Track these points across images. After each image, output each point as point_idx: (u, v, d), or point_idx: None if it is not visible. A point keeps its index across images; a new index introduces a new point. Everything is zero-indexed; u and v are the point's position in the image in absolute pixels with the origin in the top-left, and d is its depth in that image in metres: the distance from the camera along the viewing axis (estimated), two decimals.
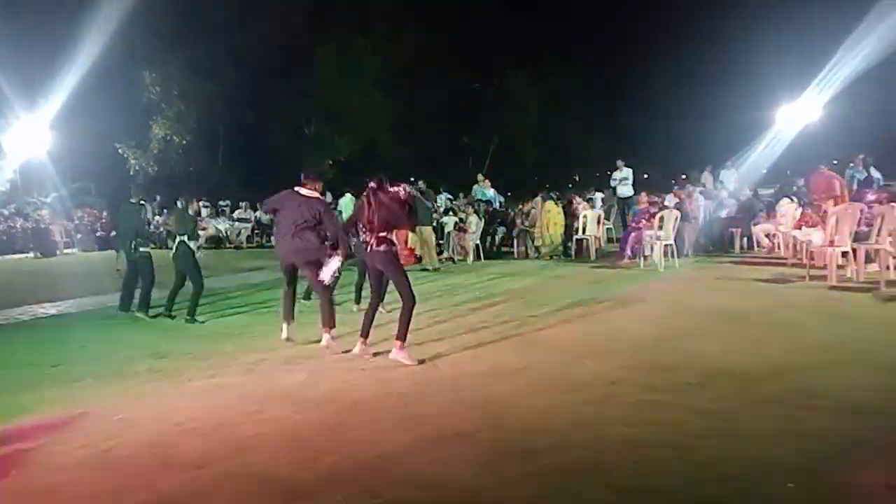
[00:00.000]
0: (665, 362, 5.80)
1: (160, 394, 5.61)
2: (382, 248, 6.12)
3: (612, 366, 5.79)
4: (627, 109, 43.85)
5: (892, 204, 9.98)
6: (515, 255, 14.13)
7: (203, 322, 8.53)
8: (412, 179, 15.69)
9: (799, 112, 24.92)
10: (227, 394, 5.51)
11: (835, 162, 16.36)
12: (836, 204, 10.14)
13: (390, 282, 6.57)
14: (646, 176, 30.78)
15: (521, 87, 38.46)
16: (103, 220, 23.19)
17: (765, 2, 35.59)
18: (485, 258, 13.90)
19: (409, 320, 6.10)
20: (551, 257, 13.33)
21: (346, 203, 18.64)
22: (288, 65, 27.48)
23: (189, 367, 6.39)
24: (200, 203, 23.79)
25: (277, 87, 27.31)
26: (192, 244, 8.65)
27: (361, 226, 6.29)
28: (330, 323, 6.72)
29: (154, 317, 8.87)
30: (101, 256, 18.22)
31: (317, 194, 6.90)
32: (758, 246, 12.59)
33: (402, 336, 6.08)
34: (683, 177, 15.01)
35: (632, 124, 44.77)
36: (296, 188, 6.93)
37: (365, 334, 6.35)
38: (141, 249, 9.18)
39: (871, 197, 10.66)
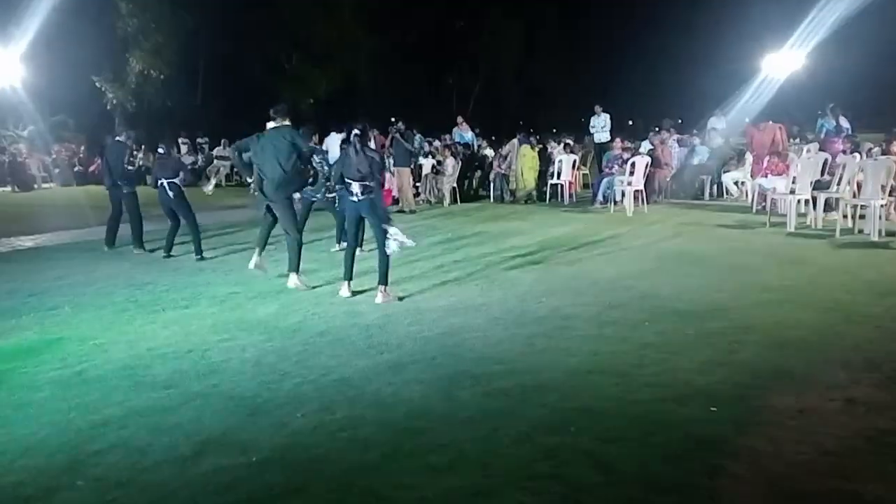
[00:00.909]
0: (618, 300, 6.12)
1: (135, 322, 5.85)
2: (368, 196, 6.24)
3: (568, 303, 6.10)
4: (612, 53, 43.47)
5: (855, 154, 10.29)
6: (491, 199, 14.33)
7: (207, 258, 8.66)
8: (392, 120, 15.67)
9: (785, 59, 24.87)
10: (199, 323, 5.77)
11: (818, 112, 16.55)
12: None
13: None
14: (630, 122, 30.79)
15: (502, 26, 37.88)
16: (81, 155, 23.06)
17: None
18: (461, 201, 14.09)
19: (389, 265, 6.30)
20: (526, 201, 13.55)
21: (332, 141, 18.68)
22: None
23: (164, 299, 6.63)
24: (179, 139, 23.69)
25: (256, 19, 26.82)
26: (176, 182, 8.74)
27: (345, 174, 6.36)
28: (296, 266, 6.89)
29: (152, 251, 9.06)
30: (81, 191, 18.20)
31: (286, 122, 6.96)
32: (727, 193, 12.88)
33: (384, 280, 6.29)
34: (656, 129, 15.13)
35: (615, 69, 44.54)
36: (269, 125, 7.04)
37: (349, 277, 6.53)
38: (125, 188, 9.28)
39: (839, 147, 10.92)
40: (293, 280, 6.86)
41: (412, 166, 13.48)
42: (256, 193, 7.40)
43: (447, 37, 39.41)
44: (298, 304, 6.24)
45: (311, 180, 7.94)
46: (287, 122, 6.98)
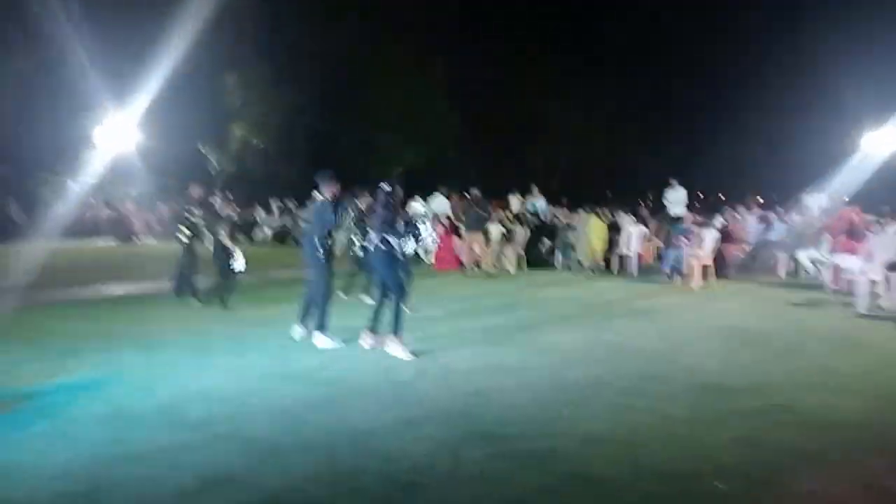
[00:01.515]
0: (657, 372, 5.99)
1: (187, 366, 6.19)
2: (385, 249, 6.50)
3: (605, 371, 6.02)
4: (704, 129, 43.03)
5: None
6: (558, 267, 14.30)
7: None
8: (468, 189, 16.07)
9: (886, 138, 23.97)
10: (245, 371, 6.04)
11: None
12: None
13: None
14: (701, 196, 30.18)
15: (591, 104, 38.37)
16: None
17: (845, 23, 34.39)
18: (528, 268, 14.14)
19: (399, 313, 6.49)
20: (592, 271, 13.46)
21: (415, 208, 19.27)
22: (361, 76, 28.50)
23: (219, 347, 6.97)
24: (272, 201, 25.05)
25: (350, 98, 28.35)
26: (222, 239, 9.29)
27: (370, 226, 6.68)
28: (321, 324, 7.04)
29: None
30: (177, 247, 19.37)
31: (324, 197, 7.21)
32: (804, 272, 12.38)
33: (395, 329, 6.48)
34: (721, 197, 14.83)
35: (707, 145, 44.01)
36: (316, 196, 7.43)
37: (373, 329, 6.74)
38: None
39: None
40: (318, 339, 7.03)
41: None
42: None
43: (535, 116, 40.18)
44: (339, 359, 6.43)
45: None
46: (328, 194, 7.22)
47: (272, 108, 26.46)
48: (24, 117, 22.18)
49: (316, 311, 7.10)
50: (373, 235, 6.61)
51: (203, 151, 26.14)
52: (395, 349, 6.44)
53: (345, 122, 29.52)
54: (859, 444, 4.32)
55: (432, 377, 5.81)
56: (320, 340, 6.95)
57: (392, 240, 6.56)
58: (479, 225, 13.49)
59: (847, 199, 24.27)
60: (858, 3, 33.42)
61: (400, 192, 6.95)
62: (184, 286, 10.03)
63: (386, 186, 6.62)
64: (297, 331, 7.27)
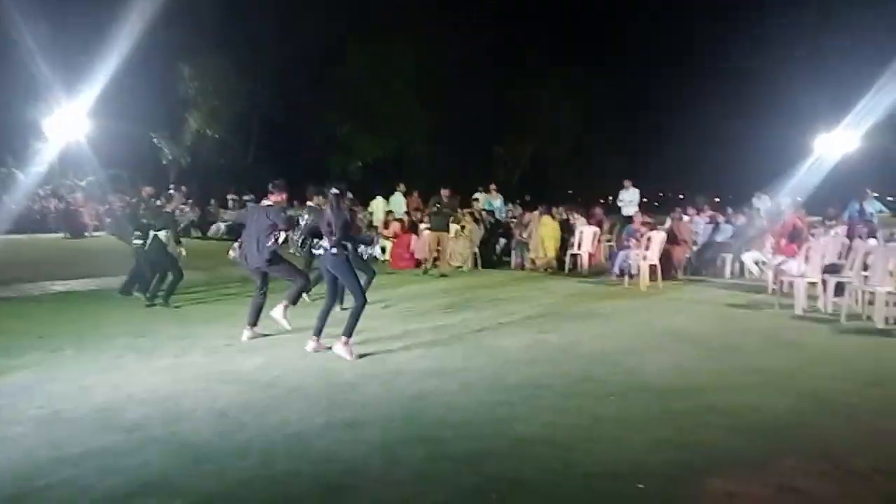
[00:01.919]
0: (596, 374, 6.14)
1: (127, 368, 6.16)
2: (335, 251, 6.51)
3: (546, 373, 6.15)
4: (665, 129, 43.83)
5: (871, 239, 10.14)
6: (512, 266, 14.46)
7: (178, 307, 9.11)
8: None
9: (838, 141, 24.65)
10: (185, 372, 6.02)
11: (875, 195, 16.41)
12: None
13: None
14: (645, 200, 30.82)
15: (554, 98, 38.62)
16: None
17: (805, 27, 35.30)
18: (482, 267, 14.27)
19: (357, 319, 6.49)
20: (545, 270, 13.64)
21: (377, 204, 19.31)
22: (323, 66, 28.29)
23: (161, 346, 6.94)
24: (229, 196, 24.73)
25: (311, 87, 28.12)
26: (163, 236, 9.23)
27: (323, 231, 6.66)
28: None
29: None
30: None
31: (277, 202, 7.38)
32: (748, 273, 12.74)
33: (347, 332, 6.48)
34: (681, 197, 15.18)
35: (666, 145, 44.85)
36: (262, 202, 7.50)
37: (317, 333, 6.74)
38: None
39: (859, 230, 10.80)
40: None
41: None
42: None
43: (500, 109, 40.32)
44: (282, 360, 6.45)
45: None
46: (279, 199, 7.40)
47: (228, 98, 26.16)
48: None
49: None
50: (325, 241, 6.59)
51: (156, 142, 25.69)
52: (343, 351, 6.45)
53: (303, 112, 29.30)
54: (778, 444, 4.50)
55: (375, 379, 5.86)
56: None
57: (347, 244, 6.56)
58: (444, 224, 13.45)
59: (799, 200, 25.01)
60: (814, 7, 34.38)
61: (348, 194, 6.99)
62: (132, 284, 9.90)
63: (335, 189, 6.63)
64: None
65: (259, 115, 28.39)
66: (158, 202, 10.27)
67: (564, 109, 40.50)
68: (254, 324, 7.35)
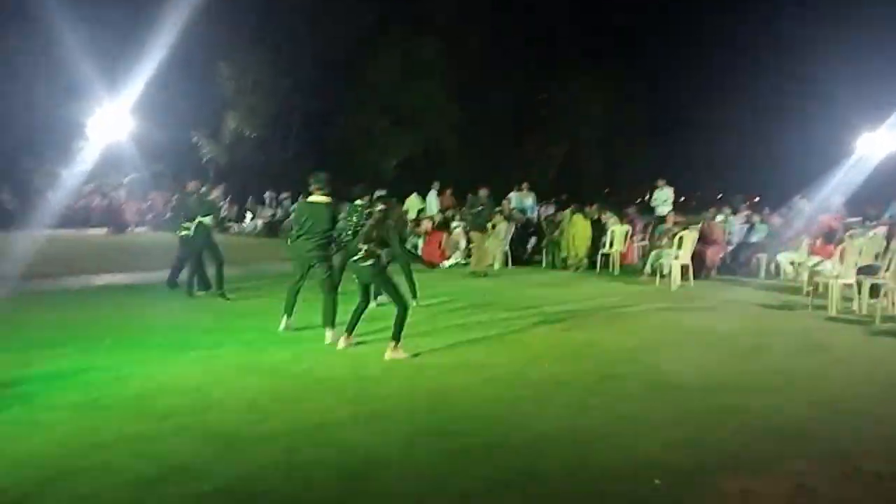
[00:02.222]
0: (619, 371, 6.18)
1: (162, 359, 6.37)
2: (370, 262, 6.59)
3: (569, 370, 6.21)
4: (702, 128, 43.24)
5: None
6: (543, 265, 14.48)
7: (231, 299, 9.36)
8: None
9: (881, 140, 24.01)
10: (217, 363, 6.23)
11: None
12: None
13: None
14: (682, 199, 30.32)
15: (586, 97, 38.40)
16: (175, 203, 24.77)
17: (848, 23, 34.51)
18: (513, 266, 14.30)
19: (402, 325, 6.47)
20: (576, 269, 13.63)
21: (412, 202, 19.48)
22: (355, 63, 28.55)
23: (196, 339, 7.15)
24: (267, 193, 25.16)
25: (345, 83, 28.40)
26: (207, 221, 9.55)
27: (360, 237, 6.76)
28: (330, 321, 7.20)
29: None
30: (170, 236, 19.52)
31: (325, 200, 7.45)
32: (783, 274, 12.56)
33: (395, 337, 6.48)
34: (720, 196, 15.01)
35: (704, 144, 44.22)
36: (308, 199, 7.63)
37: (349, 330, 6.84)
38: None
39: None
40: (328, 335, 7.18)
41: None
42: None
43: (529, 105, 40.25)
44: (312, 353, 6.60)
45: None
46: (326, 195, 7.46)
47: (266, 95, 26.52)
48: (16, 104, 22.23)
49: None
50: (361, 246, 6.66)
51: (196, 140, 26.23)
52: (395, 355, 6.43)
53: (337, 109, 29.59)
54: (794, 445, 4.50)
55: (400, 373, 5.98)
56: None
57: (381, 252, 6.64)
58: (483, 224, 13.24)
59: (843, 200, 24.48)
60: (858, 3, 33.59)
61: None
62: (176, 277, 10.19)
63: (382, 204, 6.81)
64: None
65: (296, 111, 28.74)
66: (203, 189, 10.68)
67: (598, 107, 40.23)
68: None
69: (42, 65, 22.34)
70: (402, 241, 8.00)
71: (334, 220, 7.61)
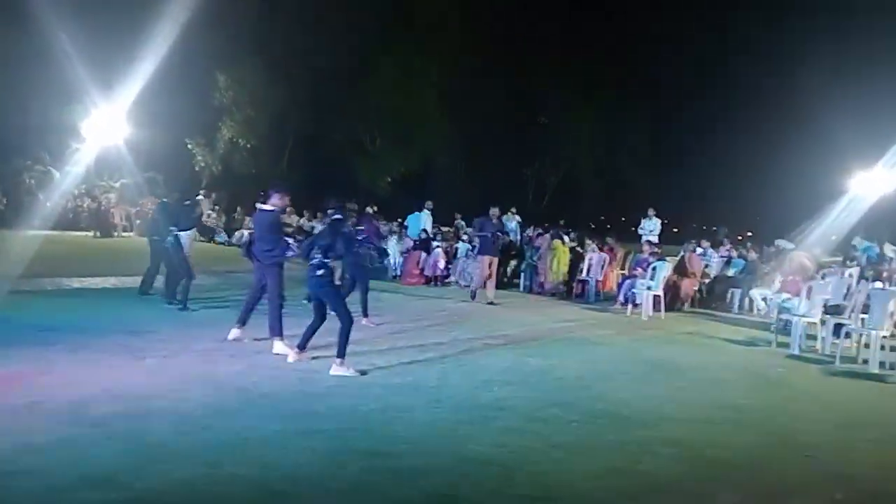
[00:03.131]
0: (566, 398, 6.20)
1: (114, 365, 6.40)
2: (320, 272, 6.66)
3: (516, 395, 6.23)
4: (692, 162, 43.58)
5: (878, 282, 10.01)
6: (521, 289, 14.53)
7: (195, 310, 9.39)
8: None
9: (875, 181, 24.08)
10: (167, 372, 6.25)
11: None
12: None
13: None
14: (675, 230, 30.39)
15: (585, 123, 38.66)
16: None
17: (845, 63, 34.84)
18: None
19: (347, 339, 6.54)
20: (553, 294, 13.68)
21: (412, 220, 19.43)
22: (353, 79, 28.78)
23: (152, 347, 7.18)
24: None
25: (343, 99, 28.61)
26: (184, 237, 9.58)
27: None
28: (276, 331, 7.30)
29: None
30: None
31: (272, 207, 7.54)
32: (757, 309, 12.61)
33: (340, 353, 6.53)
34: (714, 229, 15.10)
35: (699, 174, 44.47)
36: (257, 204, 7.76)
37: (301, 346, 6.90)
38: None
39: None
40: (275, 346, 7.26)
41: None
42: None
43: (528, 130, 40.47)
44: (263, 367, 6.62)
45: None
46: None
47: (262, 107, 26.73)
48: (11, 104, 22.36)
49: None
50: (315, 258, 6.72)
51: (190, 148, 26.38)
52: (341, 371, 6.47)
53: (335, 124, 29.79)
54: (723, 479, 4.53)
55: (347, 391, 6.00)
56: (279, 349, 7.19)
57: (329, 263, 6.70)
58: (495, 248, 12.44)
59: (834, 238, 24.47)
60: (855, 40, 33.92)
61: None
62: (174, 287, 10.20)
63: (336, 214, 6.88)
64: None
65: (292, 126, 28.94)
66: (187, 203, 10.69)
67: (597, 135, 40.48)
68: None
69: (38, 67, 22.44)
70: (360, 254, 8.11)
71: (277, 227, 7.61)
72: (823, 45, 36.46)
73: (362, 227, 10.37)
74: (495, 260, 12.50)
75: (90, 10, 20.56)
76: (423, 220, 18.60)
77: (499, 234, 12.77)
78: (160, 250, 10.08)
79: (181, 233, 9.74)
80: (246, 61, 25.80)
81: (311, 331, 6.87)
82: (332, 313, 6.74)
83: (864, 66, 31.83)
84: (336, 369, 6.47)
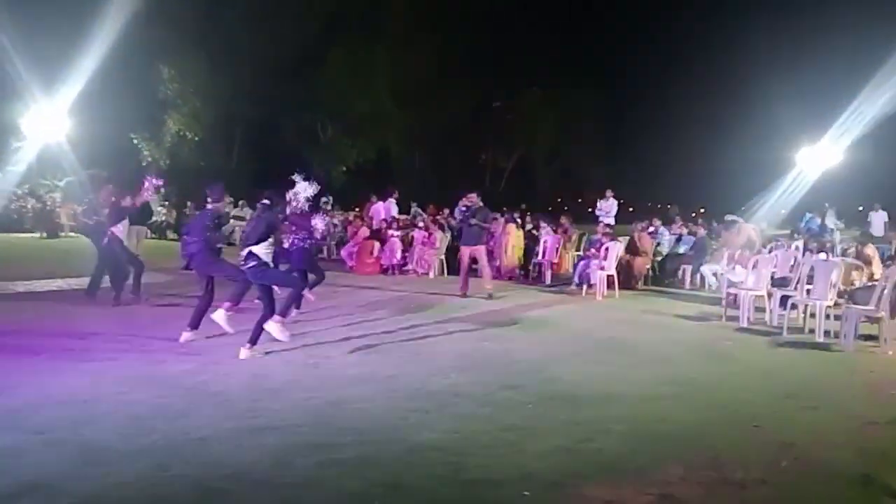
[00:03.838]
0: (519, 381, 6.23)
1: (57, 369, 6.23)
2: (252, 263, 6.67)
3: (470, 381, 6.24)
4: (644, 143, 44.26)
5: (821, 253, 10.28)
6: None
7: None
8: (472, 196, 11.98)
9: (820, 155, 24.66)
10: (111, 374, 6.10)
11: (860, 209, 16.50)
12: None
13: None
14: (631, 209, 30.81)
15: (537, 107, 38.89)
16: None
17: (787, 41, 35.64)
18: (448, 274, 14.33)
19: (294, 301, 7.01)
20: (509, 278, 13.73)
21: (376, 210, 19.18)
22: (302, 69, 28.40)
23: (98, 348, 7.01)
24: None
25: (292, 90, 28.21)
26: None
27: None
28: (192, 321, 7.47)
29: None
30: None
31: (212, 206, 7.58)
32: (708, 285, 12.84)
33: (282, 312, 6.88)
34: (659, 206, 15.29)
35: (649, 154, 45.21)
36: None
37: (252, 341, 6.87)
38: None
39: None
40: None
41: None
42: None
43: (482, 115, 40.53)
44: (213, 365, 6.50)
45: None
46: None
47: (208, 99, 26.21)
48: None
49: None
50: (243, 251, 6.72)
51: (136, 142, 25.74)
52: (276, 330, 6.67)
53: (285, 115, 29.39)
54: (671, 453, 4.60)
55: (299, 385, 5.94)
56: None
57: (260, 251, 6.66)
58: (478, 238, 11.65)
59: (784, 213, 25.06)
60: (797, 18, 34.71)
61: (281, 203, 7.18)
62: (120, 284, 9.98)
63: (265, 201, 6.82)
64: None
65: (241, 117, 28.43)
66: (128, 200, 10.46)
67: (550, 118, 40.75)
68: None
69: None
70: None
71: (210, 224, 7.60)
72: (765, 21, 37.28)
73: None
74: (479, 249, 11.66)
75: (28, 4, 19.83)
76: (391, 210, 18.37)
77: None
78: (103, 248, 9.85)
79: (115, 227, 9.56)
80: (190, 53, 25.21)
81: (260, 324, 6.81)
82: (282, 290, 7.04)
83: (807, 42, 32.62)
84: (245, 353, 6.67)
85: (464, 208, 12.05)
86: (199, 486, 3.87)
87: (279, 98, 27.90)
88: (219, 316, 7.45)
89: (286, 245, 8.29)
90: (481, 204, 11.75)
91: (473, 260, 11.78)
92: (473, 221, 11.49)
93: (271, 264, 6.81)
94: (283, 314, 6.97)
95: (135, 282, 9.97)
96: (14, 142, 22.82)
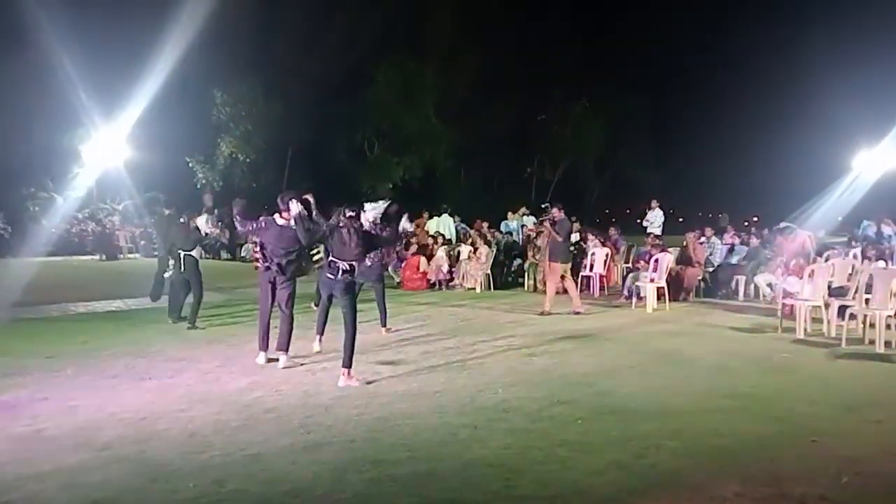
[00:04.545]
0: (570, 396, 6.19)
1: (118, 388, 6.44)
2: (348, 278, 6.76)
3: (520, 395, 6.22)
4: (694, 149, 43.47)
5: (881, 261, 9.95)
6: (525, 288, 14.50)
7: (202, 328, 9.44)
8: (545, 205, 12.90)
9: (879, 158, 23.93)
10: (171, 393, 6.28)
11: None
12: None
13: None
14: (681, 220, 30.28)
15: (583, 118, 38.63)
16: None
17: (843, 40, 34.66)
18: (495, 289, 14.33)
19: (353, 348, 6.62)
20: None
21: (431, 224, 19.25)
22: (350, 89, 28.88)
23: (157, 367, 7.22)
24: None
25: (341, 110, 28.71)
26: (195, 254, 9.61)
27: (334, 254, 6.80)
28: (284, 346, 7.36)
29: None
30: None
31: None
32: (762, 296, 12.53)
33: (347, 363, 6.58)
34: (710, 215, 15.00)
35: (703, 162, 44.39)
36: (274, 216, 7.75)
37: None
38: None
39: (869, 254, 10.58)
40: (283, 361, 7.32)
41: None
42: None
43: (528, 129, 40.43)
44: (266, 383, 6.64)
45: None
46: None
47: (260, 122, 26.87)
48: (12, 131, 22.55)
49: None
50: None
51: (191, 166, 26.53)
52: (347, 382, 6.52)
53: (334, 134, 29.90)
54: (728, 468, 4.52)
55: (351, 402, 6.01)
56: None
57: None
58: (567, 255, 11.42)
59: (840, 219, 24.30)
60: (854, 17, 33.76)
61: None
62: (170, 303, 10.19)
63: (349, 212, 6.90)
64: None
65: (291, 137, 29.06)
66: (182, 220, 10.62)
67: (598, 128, 40.38)
68: None
69: (39, 92, 22.67)
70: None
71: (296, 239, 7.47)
72: (822, 24, 36.37)
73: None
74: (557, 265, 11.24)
75: (89, 35, 20.73)
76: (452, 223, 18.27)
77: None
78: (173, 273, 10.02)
79: (190, 252, 9.74)
80: (242, 78, 25.95)
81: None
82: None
83: (865, 44, 31.70)
84: (344, 381, 6.53)
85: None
86: (266, 502, 3.96)
87: (328, 118, 28.41)
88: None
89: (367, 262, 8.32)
90: (563, 216, 11.44)
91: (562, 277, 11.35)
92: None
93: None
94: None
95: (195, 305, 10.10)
96: (75, 168, 23.78)
